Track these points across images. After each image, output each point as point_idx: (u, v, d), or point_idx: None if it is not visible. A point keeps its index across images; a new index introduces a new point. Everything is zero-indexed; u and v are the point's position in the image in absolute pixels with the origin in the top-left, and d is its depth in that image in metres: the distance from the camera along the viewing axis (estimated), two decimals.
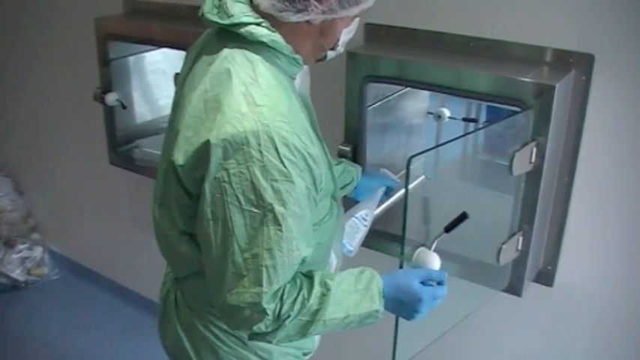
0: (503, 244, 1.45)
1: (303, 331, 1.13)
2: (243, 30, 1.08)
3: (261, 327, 1.10)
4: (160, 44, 2.13)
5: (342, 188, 1.53)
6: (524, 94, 1.37)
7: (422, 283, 1.21)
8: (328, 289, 1.12)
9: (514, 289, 1.54)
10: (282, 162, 1.01)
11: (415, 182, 1.77)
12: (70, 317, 2.96)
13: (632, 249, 1.53)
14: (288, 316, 1.10)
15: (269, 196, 1.01)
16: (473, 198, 1.76)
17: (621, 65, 1.40)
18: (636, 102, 1.42)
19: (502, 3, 1.52)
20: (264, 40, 1.08)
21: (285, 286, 1.10)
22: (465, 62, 1.51)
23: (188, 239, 1.21)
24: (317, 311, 1.11)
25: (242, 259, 1.05)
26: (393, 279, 1.20)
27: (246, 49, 1.09)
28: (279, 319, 1.10)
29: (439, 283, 1.23)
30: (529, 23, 1.49)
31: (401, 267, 1.28)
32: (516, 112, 1.39)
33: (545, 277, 1.65)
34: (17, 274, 3.16)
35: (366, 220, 1.54)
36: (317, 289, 1.12)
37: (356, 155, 1.69)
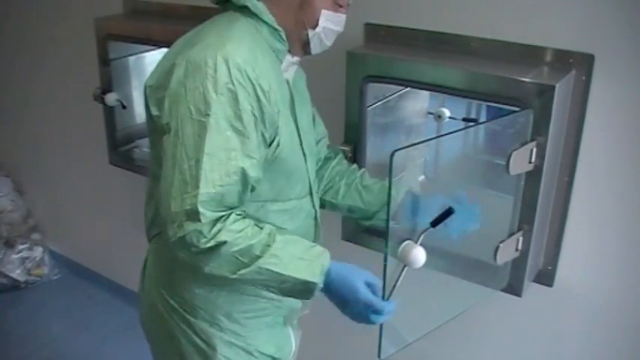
0: (501, 242, 1.45)
1: (235, 270, 1.16)
2: None
3: (193, 239, 1.11)
4: (159, 44, 2.12)
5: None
6: (525, 94, 1.37)
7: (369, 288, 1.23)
8: (274, 241, 1.17)
9: (514, 289, 1.54)
10: (231, 81, 1.12)
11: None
12: (70, 317, 2.97)
13: (632, 249, 1.53)
14: (225, 242, 1.12)
15: (215, 105, 1.11)
16: (473, 198, 1.76)
17: (621, 65, 1.40)
18: (636, 102, 1.42)
19: (502, 3, 1.52)
20: (247, 4, 1.22)
21: (231, 214, 1.15)
22: (465, 62, 1.51)
23: (153, 177, 1.32)
24: (257, 257, 1.15)
25: (187, 166, 1.12)
26: (342, 266, 1.23)
27: (236, 12, 1.24)
28: (215, 240, 1.12)
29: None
30: (529, 23, 1.49)
31: (385, 260, 1.25)
32: (515, 112, 1.39)
33: (545, 277, 1.65)
34: (17, 274, 3.16)
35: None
36: (263, 237, 1.16)
37: (356, 155, 1.69)
